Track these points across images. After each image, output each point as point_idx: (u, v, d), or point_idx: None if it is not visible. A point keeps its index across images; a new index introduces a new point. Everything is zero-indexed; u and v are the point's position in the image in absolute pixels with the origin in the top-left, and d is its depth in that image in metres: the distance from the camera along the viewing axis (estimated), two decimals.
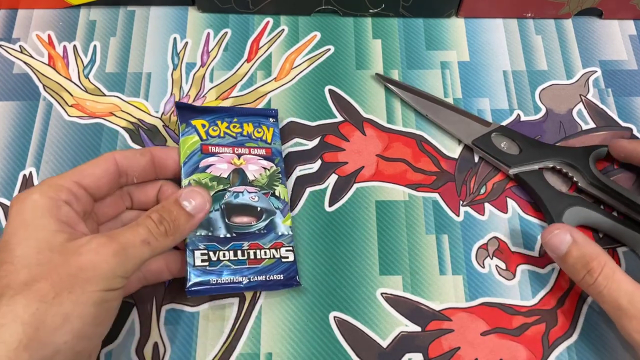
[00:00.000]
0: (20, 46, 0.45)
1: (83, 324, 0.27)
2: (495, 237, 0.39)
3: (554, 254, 0.34)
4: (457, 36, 0.46)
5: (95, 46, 0.45)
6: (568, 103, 0.43)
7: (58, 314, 0.27)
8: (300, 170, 0.41)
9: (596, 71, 0.45)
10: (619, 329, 0.32)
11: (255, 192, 0.37)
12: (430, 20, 0.46)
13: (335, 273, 0.38)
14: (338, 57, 0.45)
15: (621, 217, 0.38)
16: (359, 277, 0.37)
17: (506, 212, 0.40)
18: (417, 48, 0.45)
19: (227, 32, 0.46)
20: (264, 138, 0.39)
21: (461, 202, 0.40)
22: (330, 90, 0.43)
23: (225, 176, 0.37)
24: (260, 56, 0.45)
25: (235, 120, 0.39)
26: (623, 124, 0.43)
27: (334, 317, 0.36)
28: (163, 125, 0.42)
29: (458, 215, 0.39)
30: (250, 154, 0.38)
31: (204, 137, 0.38)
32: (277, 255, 0.36)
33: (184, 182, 0.36)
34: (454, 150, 0.42)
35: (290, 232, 0.37)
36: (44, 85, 0.43)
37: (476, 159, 0.41)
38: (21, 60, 0.44)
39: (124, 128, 0.42)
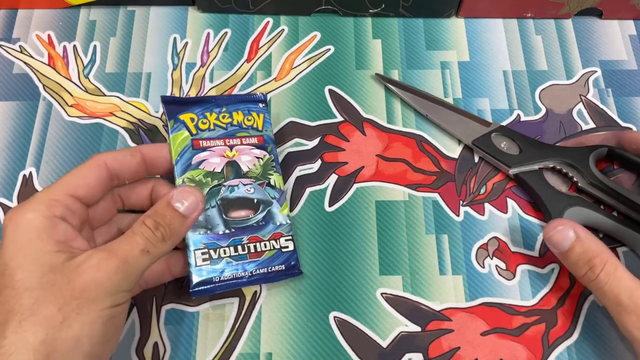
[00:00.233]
0: (20, 46, 0.45)
1: (94, 344, 0.27)
2: (495, 237, 0.39)
3: (556, 250, 0.34)
4: (457, 36, 0.46)
5: (95, 46, 0.45)
6: (568, 103, 0.43)
7: (68, 337, 0.26)
8: (300, 170, 0.41)
9: (596, 71, 0.45)
10: (618, 325, 0.32)
11: (251, 184, 0.36)
12: (430, 20, 0.46)
13: (335, 273, 0.38)
14: (338, 57, 0.45)
15: (621, 217, 0.38)
16: (359, 277, 0.37)
17: (506, 212, 0.40)
18: (417, 48, 0.45)
19: (227, 32, 0.46)
20: (254, 126, 0.38)
21: (461, 202, 0.40)
22: (330, 90, 0.43)
23: (219, 170, 0.36)
24: (260, 56, 0.45)
25: (224, 109, 0.38)
26: (623, 124, 0.43)
27: (334, 317, 0.36)
28: (163, 125, 0.42)
29: (458, 215, 0.39)
30: (242, 144, 0.37)
31: (194, 131, 0.37)
32: (277, 246, 0.36)
33: (178, 181, 0.35)
34: (454, 150, 0.42)
35: (288, 221, 0.36)
36: (44, 85, 0.43)
37: (476, 159, 0.41)
38: (21, 60, 0.44)
39: (124, 128, 0.42)
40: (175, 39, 0.45)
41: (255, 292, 0.37)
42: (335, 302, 0.37)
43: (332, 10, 0.46)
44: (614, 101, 0.43)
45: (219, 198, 0.36)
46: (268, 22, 0.46)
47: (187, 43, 0.45)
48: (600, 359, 0.35)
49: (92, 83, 0.43)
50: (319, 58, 0.45)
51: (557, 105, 0.43)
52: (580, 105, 0.43)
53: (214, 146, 0.37)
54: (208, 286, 0.34)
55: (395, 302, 0.37)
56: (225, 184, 0.36)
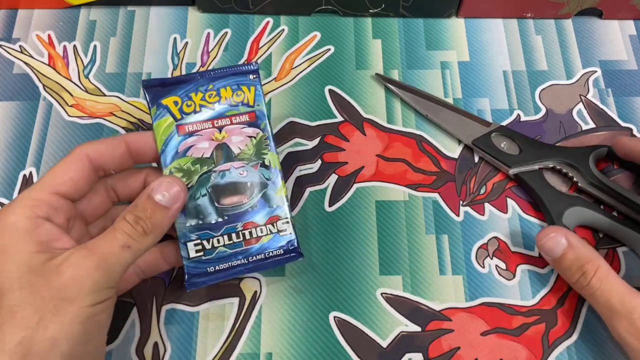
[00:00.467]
0: (20, 46, 0.45)
1: (72, 345, 0.27)
2: (495, 237, 0.39)
3: (548, 257, 0.35)
4: (457, 36, 0.46)
5: (95, 46, 0.45)
6: (568, 103, 0.43)
7: (45, 339, 0.26)
8: (300, 170, 0.41)
9: (596, 71, 0.45)
10: (610, 330, 0.32)
11: (243, 166, 0.34)
12: (430, 20, 0.46)
13: (335, 273, 0.38)
14: (338, 57, 0.45)
15: (621, 217, 0.38)
16: (359, 277, 0.37)
17: (506, 212, 0.40)
18: (417, 48, 0.45)
19: (227, 32, 0.46)
20: (245, 101, 0.35)
21: (461, 202, 0.40)
22: (330, 90, 0.43)
23: (208, 155, 0.34)
24: (260, 56, 0.45)
25: (210, 87, 0.35)
26: (623, 124, 0.43)
27: (334, 317, 0.36)
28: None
29: (458, 215, 0.39)
30: (232, 123, 0.35)
31: (179, 116, 0.34)
32: (274, 230, 0.34)
33: (165, 171, 0.34)
34: (454, 150, 0.42)
35: (286, 203, 0.34)
36: (44, 85, 0.43)
37: (476, 159, 0.41)
38: (21, 60, 0.44)
39: (124, 128, 0.42)
40: (175, 39, 0.45)
41: (255, 292, 0.37)
42: (335, 302, 0.37)
43: (332, 10, 0.46)
44: (614, 101, 0.43)
45: (209, 185, 0.34)
46: (268, 22, 0.46)
47: (187, 43, 0.45)
48: (600, 359, 0.35)
49: (92, 83, 0.43)
50: (319, 58, 0.45)
51: (557, 105, 0.43)
52: (580, 105, 0.43)
53: (201, 130, 0.34)
54: (203, 278, 0.33)
55: (395, 302, 0.37)
56: (215, 169, 0.34)
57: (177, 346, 0.35)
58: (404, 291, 0.37)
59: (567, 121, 0.43)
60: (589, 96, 0.44)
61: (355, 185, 0.40)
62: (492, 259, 0.38)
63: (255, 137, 0.35)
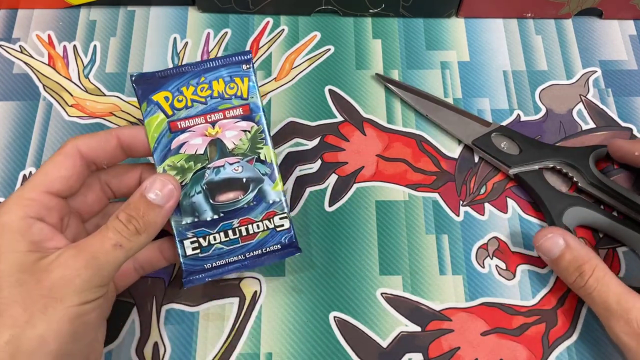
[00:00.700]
0: (20, 46, 0.45)
1: (60, 343, 0.27)
2: (495, 237, 0.39)
3: (546, 257, 0.35)
4: (457, 36, 0.46)
5: (95, 46, 0.45)
6: (568, 103, 0.43)
7: (32, 337, 0.26)
8: (300, 170, 0.41)
9: (596, 71, 0.45)
10: (607, 330, 0.33)
11: (238, 162, 0.34)
12: (430, 20, 0.46)
13: (335, 273, 0.38)
14: (338, 57, 0.45)
15: (621, 217, 0.38)
16: (359, 277, 0.37)
17: (506, 212, 0.40)
18: (417, 48, 0.45)
19: (227, 32, 0.46)
20: (238, 94, 0.34)
21: (461, 202, 0.40)
22: (330, 90, 0.43)
23: (202, 152, 0.33)
24: (261, 56, 0.45)
25: (202, 79, 0.34)
26: (623, 124, 0.43)
27: (334, 317, 0.36)
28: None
29: (458, 215, 0.39)
30: (225, 117, 0.34)
31: (170, 112, 0.33)
32: (271, 226, 0.34)
33: (159, 169, 0.33)
34: (454, 150, 0.42)
35: (283, 197, 0.34)
36: (44, 85, 0.43)
37: (476, 159, 0.41)
38: (21, 60, 0.44)
39: None
40: (175, 39, 0.45)
41: (255, 292, 0.37)
42: (335, 302, 0.37)
43: (332, 10, 0.46)
44: (614, 101, 0.43)
45: (204, 182, 0.33)
46: (268, 22, 0.46)
47: (187, 43, 0.45)
48: (600, 359, 0.35)
49: (92, 83, 0.43)
50: (319, 58, 0.45)
51: (557, 105, 0.43)
52: (580, 105, 0.43)
53: (193, 125, 0.33)
54: (201, 275, 0.33)
55: (395, 302, 0.37)
56: (209, 166, 0.33)
57: (177, 346, 0.35)
58: (404, 291, 0.37)
59: (567, 121, 0.43)
60: (589, 96, 0.44)
61: (355, 185, 0.40)
62: (492, 259, 0.38)
63: (249, 131, 0.34)
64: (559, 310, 0.37)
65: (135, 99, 0.43)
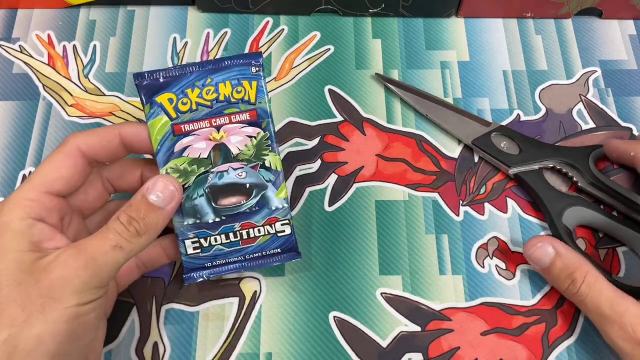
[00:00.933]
0: (20, 46, 0.45)
1: (58, 343, 0.27)
2: (495, 237, 0.39)
3: (537, 267, 0.35)
4: (457, 36, 0.46)
5: (95, 46, 0.45)
6: (568, 103, 0.43)
7: (30, 337, 0.26)
8: (300, 170, 0.41)
9: (596, 71, 0.45)
10: (602, 335, 0.33)
11: (242, 168, 0.33)
12: (430, 20, 0.46)
13: (335, 273, 0.38)
14: (338, 57, 0.45)
15: (621, 217, 0.38)
16: (359, 277, 0.37)
17: (506, 212, 0.40)
18: (417, 48, 0.45)
19: (227, 32, 0.46)
20: (246, 98, 0.33)
21: (461, 202, 0.40)
22: (330, 90, 0.43)
23: (206, 156, 0.33)
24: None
25: (209, 81, 0.32)
26: (623, 124, 0.43)
27: (334, 317, 0.36)
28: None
29: (458, 215, 0.39)
30: (231, 122, 0.33)
31: (174, 115, 0.32)
32: (272, 231, 0.34)
33: (162, 171, 0.32)
34: (454, 150, 0.42)
35: (286, 205, 0.34)
36: (43, 85, 0.43)
37: (476, 159, 0.41)
38: (21, 60, 0.44)
39: None
40: (175, 39, 0.45)
41: (255, 292, 0.37)
42: (335, 302, 0.37)
43: (332, 10, 0.46)
44: (614, 101, 0.43)
45: (207, 186, 0.33)
46: (268, 22, 0.46)
47: (187, 43, 0.45)
48: (600, 359, 0.35)
49: (92, 83, 0.43)
50: (319, 58, 0.45)
51: (557, 105, 0.43)
52: (581, 105, 0.43)
53: (198, 129, 0.33)
54: (201, 272, 0.34)
55: (395, 302, 0.37)
56: (213, 170, 0.33)
57: (177, 346, 0.35)
58: (404, 291, 0.37)
59: (567, 121, 0.43)
60: (589, 96, 0.44)
61: (355, 185, 0.40)
62: (492, 259, 0.38)
63: (255, 137, 0.33)
64: (559, 311, 0.37)
65: (135, 99, 0.43)
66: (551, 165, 0.40)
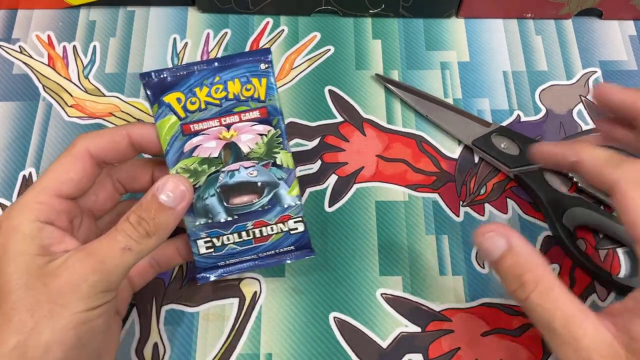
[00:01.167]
0: (20, 46, 0.45)
1: (65, 350, 0.26)
2: None
3: (485, 258, 0.31)
4: (457, 36, 0.46)
5: (95, 46, 0.45)
6: (568, 103, 0.43)
7: (39, 344, 0.26)
8: (300, 171, 0.41)
9: (596, 71, 0.45)
10: (550, 349, 0.29)
11: (253, 166, 0.33)
12: (430, 21, 0.46)
13: (335, 273, 0.38)
14: (338, 58, 0.45)
15: None
16: (359, 277, 0.37)
17: (506, 213, 0.40)
18: (417, 48, 0.45)
19: (227, 33, 0.46)
20: (255, 96, 0.32)
21: (461, 203, 0.40)
22: (330, 91, 0.43)
23: (216, 155, 0.32)
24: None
25: (217, 79, 0.32)
26: None
27: (334, 317, 0.36)
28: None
29: (458, 216, 0.39)
30: (241, 121, 0.32)
31: (182, 114, 0.32)
32: (285, 229, 0.33)
33: (171, 171, 0.32)
34: (454, 150, 0.42)
35: (298, 202, 0.33)
36: (43, 86, 0.43)
37: (476, 160, 0.41)
38: (21, 60, 0.44)
39: None
40: (175, 39, 0.45)
41: (255, 292, 0.37)
42: (335, 302, 0.37)
43: (332, 11, 0.46)
44: None
45: (217, 185, 0.32)
46: (268, 22, 0.46)
47: (187, 43, 0.45)
48: None
49: (91, 83, 0.43)
50: (319, 58, 0.45)
51: (557, 105, 0.43)
52: (580, 106, 0.43)
53: (207, 128, 0.32)
54: (214, 272, 0.33)
55: (395, 302, 0.37)
56: (224, 169, 0.32)
57: (177, 346, 0.35)
58: (404, 292, 0.37)
59: (567, 121, 0.43)
60: (589, 96, 0.44)
61: (355, 186, 0.40)
62: None
63: (266, 135, 0.33)
64: None
65: (135, 99, 0.43)
66: None
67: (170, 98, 0.32)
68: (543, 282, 0.27)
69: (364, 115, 0.43)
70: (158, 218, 0.29)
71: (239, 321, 0.36)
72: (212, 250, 0.33)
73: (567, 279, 0.37)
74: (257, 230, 0.33)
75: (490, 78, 0.44)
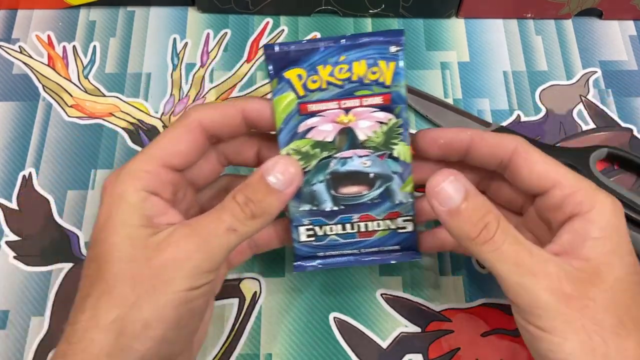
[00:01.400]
0: (19, 46, 0.45)
1: (164, 329, 0.26)
2: None
3: (443, 207, 0.27)
4: (457, 36, 0.46)
5: (94, 46, 0.45)
6: (568, 103, 0.43)
7: (138, 320, 0.25)
8: None
9: (596, 72, 0.45)
10: (513, 292, 0.26)
11: (368, 156, 0.30)
12: (430, 21, 0.46)
13: (336, 274, 0.38)
14: None
15: None
16: (359, 277, 0.37)
17: None
18: (417, 48, 0.45)
19: (227, 33, 0.46)
20: (381, 80, 0.30)
21: None
22: None
23: (330, 140, 0.30)
24: (261, 56, 0.45)
25: (342, 58, 0.29)
26: (623, 125, 0.43)
27: (334, 317, 0.36)
28: (163, 126, 0.42)
29: None
30: (361, 105, 0.30)
31: (302, 92, 0.30)
32: (393, 227, 0.31)
33: (282, 152, 0.30)
34: None
35: (410, 199, 0.31)
36: (43, 86, 0.43)
37: None
38: (21, 60, 0.44)
39: (123, 129, 0.42)
40: (175, 39, 0.45)
41: (255, 292, 0.37)
42: (335, 302, 0.37)
43: (332, 11, 0.46)
44: (614, 101, 0.43)
45: (327, 172, 0.30)
46: (268, 22, 0.46)
47: (186, 43, 0.45)
48: None
49: (91, 83, 0.43)
50: None
51: (558, 105, 0.43)
52: (581, 106, 0.43)
53: (325, 110, 0.30)
54: (312, 262, 0.32)
55: (395, 302, 0.37)
56: (336, 155, 0.30)
57: None
58: (404, 292, 0.37)
59: (567, 122, 0.43)
60: (589, 97, 0.44)
61: None
62: None
63: (386, 124, 0.30)
64: None
65: (135, 99, 0.43)
66: None
67: (291, 74, 0.30)
68: (503, 220, 0.27)
69: None
70: (265, 200, 0.27)
71: (239, 321, 0.36)
72: (313, 239, 0.32)
73: None
74: (362, 224, 0.32)
75: (490, 78, 0.44)
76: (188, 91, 0.43)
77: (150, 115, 0.42)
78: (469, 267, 0.38)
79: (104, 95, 0.43)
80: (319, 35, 0.45)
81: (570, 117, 0.43)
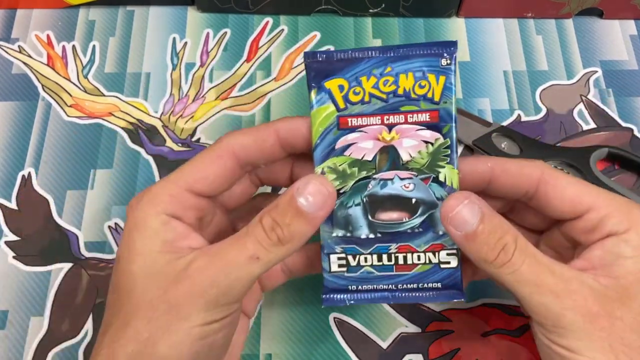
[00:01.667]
0: (19, 46, 0.45)
1: None
2: None
3: (459, 231, 0.26)
4: (457, 36, 0.46)
5: (94, 46, 0.45)
6: (569, 103, 0.43)
7: (153, 355, 0.24)
8: None
9: (597, 71, 0.45)
10: (536, 312, 0.26)
11: (411, 178, 0.28)
12: (430, 20, 0.46)
13: None
14: None
15: None
16: None
17: None
18: None
19: (226, 32, 0.45)
20: (429, 95, 0.27)
21: None
22: None
23: (370, 158, 0.28)
24: (260, 56, 0.45)
25: (388, 69, 0.27)
26: (624, 124, 0.42)
27: (334, 317, 0.36)
28: (162, 126, 0.42)
29: None
30: (406, 122, 0.27)
31: (342, 105, 0.27)
32: (435, 260, 0.28)
33: (317, 169, 0.28)
34: None
35: None
36: (42, 86, 0.43)
37: None
38: (20, 60, 0.44)
39: (123, 128, 0.42)
40: (174, 38, 0.45)
41: None
42: None
43: (332, 10, 0.46)
44: (614, 101, 0.43)
45: (365, 194, 0.28)
46: (268, 22, 0.46)
47: (186, 43, 0.45)
48: None
49: (91, 83, 0.43)
50: None
51: (558, 105, 0.43)
52: (581, 106, 0.43)
53: (366, 125, 0.27)
54: (342, 295, 0.29)
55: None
56: (375, 176, 0.28)
57: None
58: None
59: (567, 121, 0.43)
60: (590, 96, 0.44)
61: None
62: None
63: (432, 144, 0.27)
64: None
65: (134, 99, 0.43)
66: (552, 166, 0.39)
67: (332, 84, 0.28)
68: (520, 240, 0.26)
69: None
70: (293, 224, 0.25)
71: None
72: (345, 269, 0.29)
73: None
74: (401, 256, 0.28)
75: (491, 78, 0.44)
76: (187, 91, 0.43)
77: (150, 115, 0.42)
78: None
79: (104, 95, 0.43)
80: (319, 35, 0.45)
81: (571, 116, 0.43)
